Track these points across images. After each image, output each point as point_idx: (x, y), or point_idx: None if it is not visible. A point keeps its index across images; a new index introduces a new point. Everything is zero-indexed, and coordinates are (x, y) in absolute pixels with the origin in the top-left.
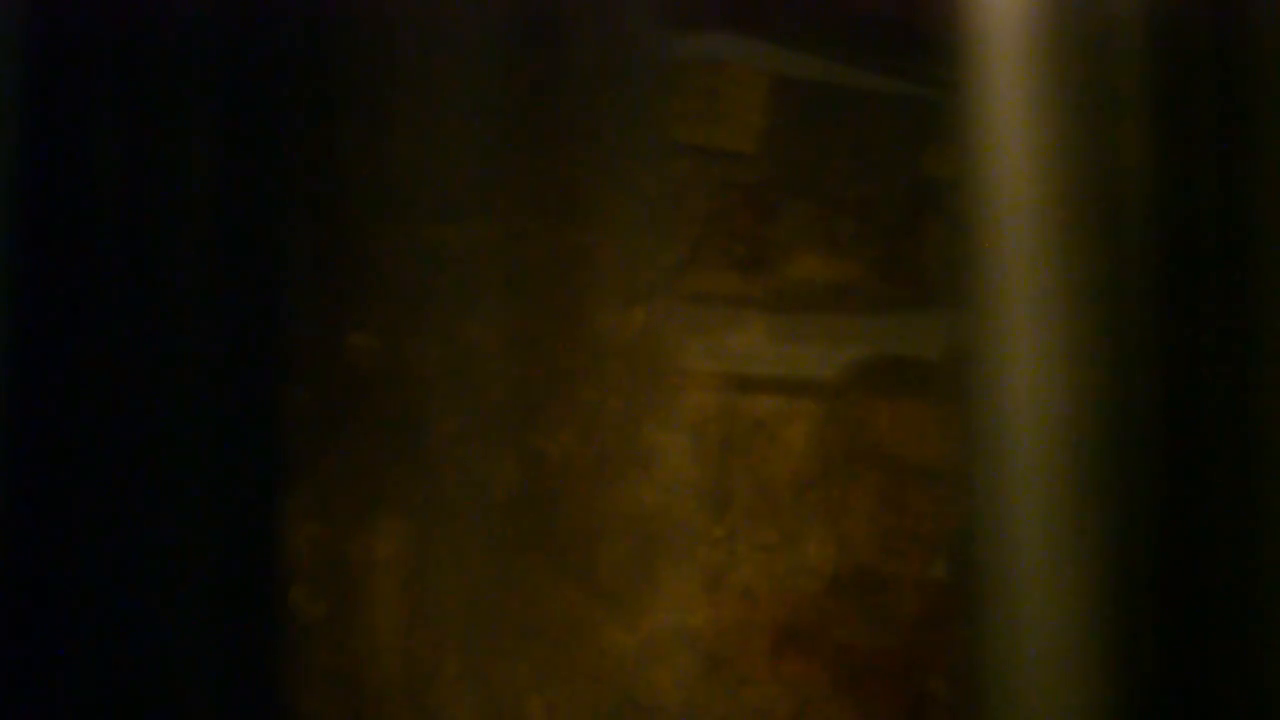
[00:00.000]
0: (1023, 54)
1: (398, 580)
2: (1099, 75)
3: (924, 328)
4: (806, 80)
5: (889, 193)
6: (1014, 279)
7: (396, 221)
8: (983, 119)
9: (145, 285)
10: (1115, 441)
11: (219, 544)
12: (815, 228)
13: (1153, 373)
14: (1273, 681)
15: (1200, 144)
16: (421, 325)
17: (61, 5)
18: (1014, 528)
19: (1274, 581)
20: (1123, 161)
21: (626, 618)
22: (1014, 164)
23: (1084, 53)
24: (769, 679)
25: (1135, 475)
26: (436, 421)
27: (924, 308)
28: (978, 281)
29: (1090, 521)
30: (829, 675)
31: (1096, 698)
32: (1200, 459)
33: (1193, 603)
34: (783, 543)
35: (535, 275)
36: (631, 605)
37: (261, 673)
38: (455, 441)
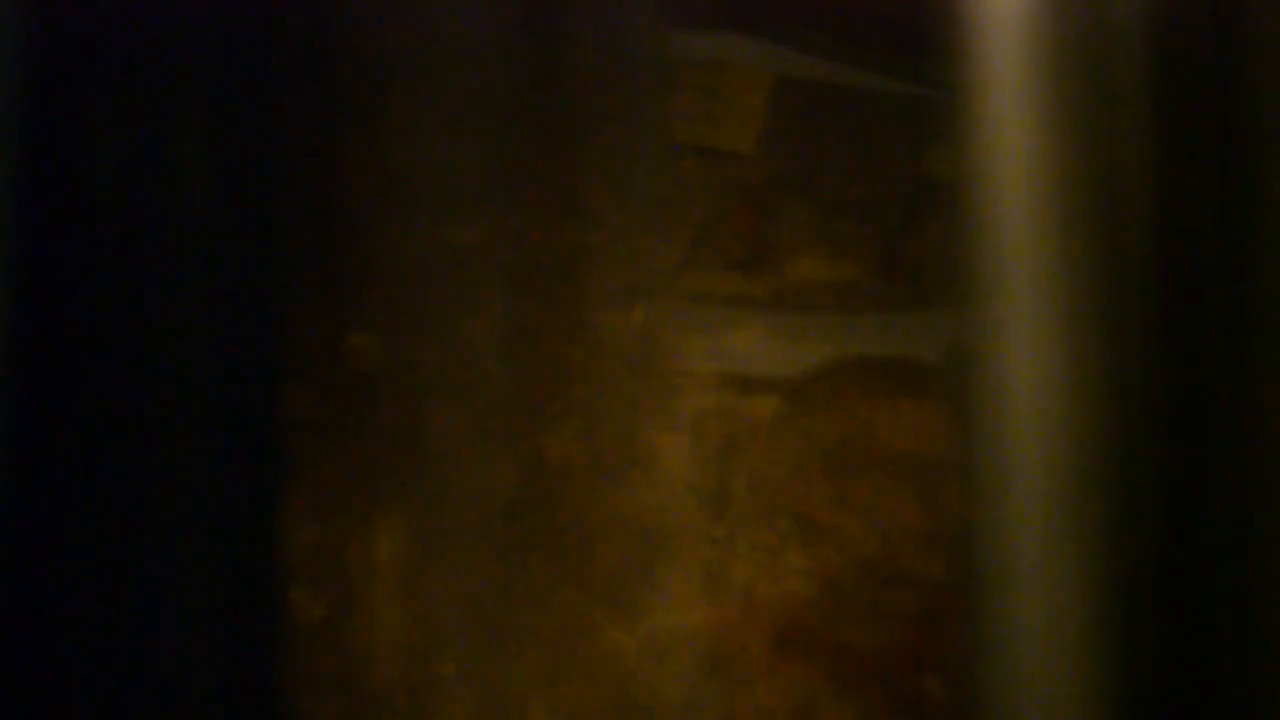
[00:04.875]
0: (1023, 54)
1: (398, 580)
2: (1099, 75)
3: (924, 328)
4: (806, 80)
5: (889, 193)
6: (1014, 279)
7: (396, 221)
8: (983, 119)
9: (145, 286)
10: (1115, 440)
11: (219, 544)
12: (815, 228)
13: (1153, 371)
14: (1273, 681)
15: (1200, 144)
16: (421, 325)
17: (62, 6)
18: (1014, 527)
19: (1274, 580)
20: (1122, 161)
21: (626, 618)
22: (1014, 164)
23: (1084, 53)
24: (769, 679)
25: (1135, 474)
26: (436, 421)
27: (924, 308)
28: (978, 281)
29: (1090, 520)
30: (829, 675)
31: (1097, 697)
32: (1201, 458)
33: (1193, 601)
34: (783, 543)
35: (535, 275)
36: (631, 605)
37: (261, 673)
38: (455, 442)
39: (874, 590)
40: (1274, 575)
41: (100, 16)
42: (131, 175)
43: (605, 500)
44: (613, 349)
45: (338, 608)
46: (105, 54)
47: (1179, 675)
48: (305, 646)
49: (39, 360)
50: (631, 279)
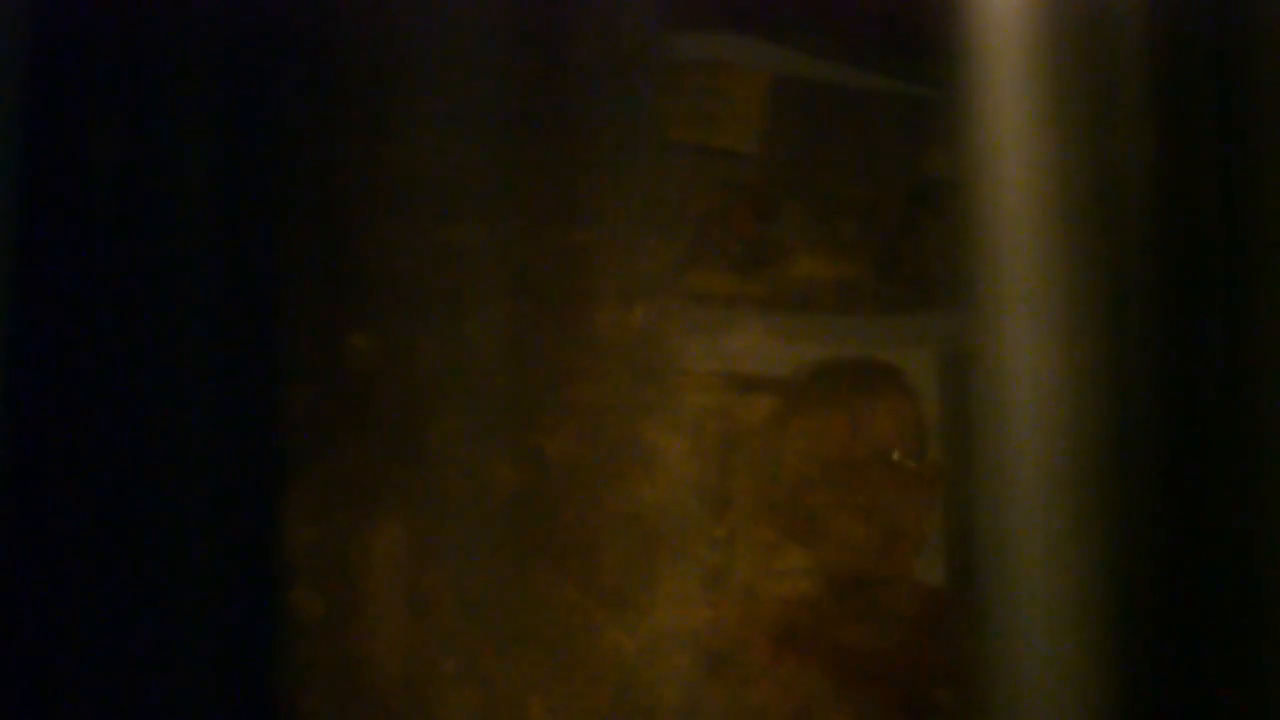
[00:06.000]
0: (1023, 54)
1: (398, 580)
2: (1099, 75)
3: (924, 328)
4: (806, 80)
5: (889, 193)
6: (1014, 279)
7: (396, 221)
8: (983, 119)
9: (145, 285)
10: (1115, 442)
11: (219, 544)
12: (815, 228)
13: (1153, 373)
14: (1273, 684)
15: (1200, 144)
16: (421, 325)
17: (62, 6)
18: (1014, 529)
19: (1274, 583)
20: (1123, 162)
21: (627, 618)
22: (1014, 164)
23: (1084, 53)
24: (769, 679)
25: (1135, 476)
26: (436, 421)
27: (924, 308)
28: (978, 281)
29: (1090, 522)
30: (829, 676)
31: (1096, 699)
32: (1200, 460)
33: (1193, 604)
34: (782, 543)
35: (535, 275)
36: (631, 605)
37: (261, 672)
38: (455, 441)
39: (874, 590)
40: (1275, 575)
41: (101, 16)
42: (132, 175)
43: (605, 500)
44: (613, 349)
45: (337, 607)
46: (105, 54)
47: (1180, 675)
48: (305, 646)
49: (39, 360)
50: (631, 279)
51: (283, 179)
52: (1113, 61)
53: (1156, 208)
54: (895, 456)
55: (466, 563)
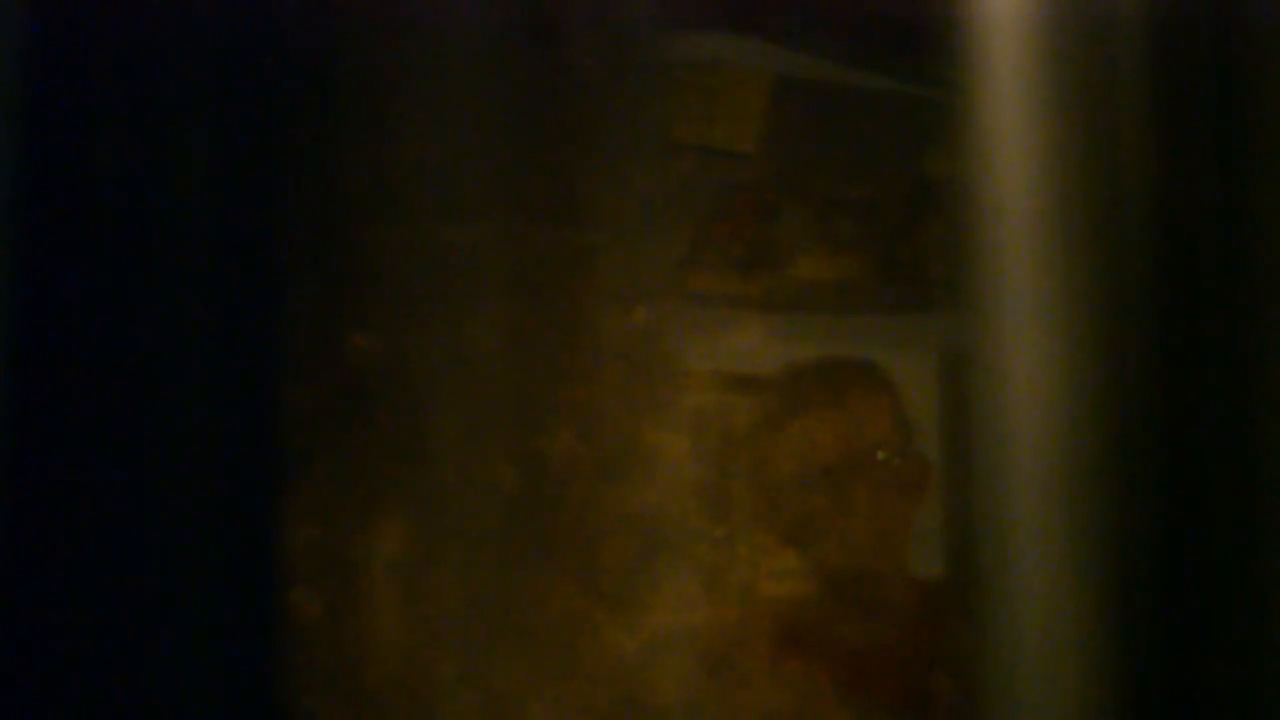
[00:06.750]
0: (1023, 54)
1: (398, 580)
2: (1099, 75)
3: (924, 328)
4: (806, 80)
5: (889, 193)
6: (1014, 279)
7: (396, 221)
8: (983, 119)
9: (145, 285)
10: (1115, 441)
11: (219, 544)
12: (815, 228)
13: (1153, 372)
14: (1273, 681)
15: (1200, 144)
16: (421, 325)
17: (62, 6)
18: (1014, 527)
19: (1275, 581)
20: (1122, 161)
21: (627, 618)
22: (1014, 164)
23: (1084, 53)
24: (769, 679)
25: (1135, 474)
26: (436, 421)
27: (924, 308)
28: (978, 281)
29: (1090, 520)
30: (829, 675)
31: (1097, 696)
32: (1200, 458)
33: (1193, 602)
34: (783, 543)
35: (535, 275)
36: (631, 605)
37: (261, 673)
38: (455, 441)
39: (874, 590)
40: (1275, 575)
41: (100, 16)
42: (132, 175)
43: (605, 500)
44: (613, 349)
45: (337, 607)
46: (105, 54)
47: (1178, 670)
48: (305, 646)
49: (39, 359)
50: (631, 279)
51: (283, 178)
52: (1113, 61)
53: (1156, 207)
54: (880, 455)
55: (466, 563)
